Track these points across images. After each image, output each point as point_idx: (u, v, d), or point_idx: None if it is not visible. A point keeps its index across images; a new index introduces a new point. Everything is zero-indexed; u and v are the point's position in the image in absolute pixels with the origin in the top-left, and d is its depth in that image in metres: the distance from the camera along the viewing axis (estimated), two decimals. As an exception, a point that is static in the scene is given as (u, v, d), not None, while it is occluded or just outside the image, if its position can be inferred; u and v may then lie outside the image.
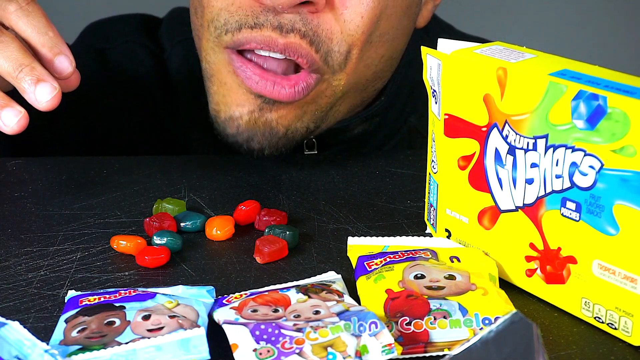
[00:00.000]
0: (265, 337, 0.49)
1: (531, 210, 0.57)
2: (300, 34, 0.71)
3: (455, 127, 0.61)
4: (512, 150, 0.57)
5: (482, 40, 0.92)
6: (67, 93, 0.67)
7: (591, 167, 0.52)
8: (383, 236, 0.65)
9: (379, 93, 0.87)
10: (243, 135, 0.76)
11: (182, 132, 0.91)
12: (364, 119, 0.86)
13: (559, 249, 0.56)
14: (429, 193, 0.66)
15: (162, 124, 0.91)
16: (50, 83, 0.63)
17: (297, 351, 0.48)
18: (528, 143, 0.56)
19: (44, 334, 0.53)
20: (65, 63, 0.65)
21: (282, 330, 0.50)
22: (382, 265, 0.58)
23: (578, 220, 0.54)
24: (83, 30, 0.97)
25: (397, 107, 0.89)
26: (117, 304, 0.54)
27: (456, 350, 0.43)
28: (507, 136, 0.57)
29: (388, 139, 0.91)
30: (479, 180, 0.60)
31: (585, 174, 0.53)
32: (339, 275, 0.59)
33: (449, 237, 0.64)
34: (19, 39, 0.64)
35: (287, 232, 0.65)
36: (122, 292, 0.55)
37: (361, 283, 0.57)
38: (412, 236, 0.65)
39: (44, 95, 0.62)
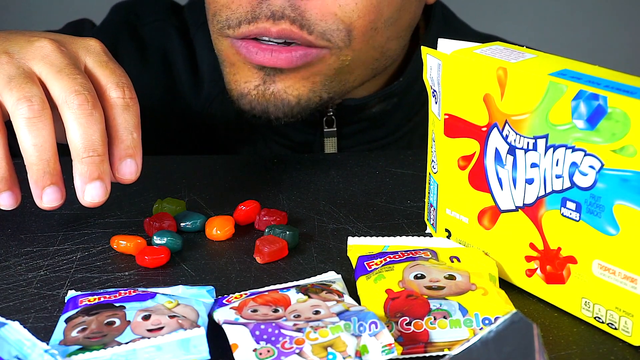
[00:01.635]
0: (265, 337, 0.49)
1: (531, 210, 0.57)
2: (290, 19, 0.76)
3: (456, 127, 0.61)
4: (512, 150, 0.57)
5: (495, 39, 0.93)
6: None
7: (591, 167, 0.52)
8: (383, 236, 0.65)
9: (399, 73, 0.90)
10: (257, 109, 0.81)
11: (204, 107, 0.94)
12: (383, 98, 0.89)
13: (559, 249, 0.56)
14: (429, 193, 0.66)
15: (186, 99, 0.95)
16: (106, 185, 0.62)
17: (297, 351, 0.48)
18: (528, 143, 0.56)
19: (44, 334, 0.53)
20: (132, 167, 0.63)
21: (282, 330, 0.50)
22: (382, 265, 0.58)
23: (578, 220, 0.54)
24: (112, 8, 1.00)
25: (416, 89, 0.90)
26: (117, 304, 0.54)
27: (456, 350, 0.43)
28: (507, 136, 0.57)
29: (406, 121, 0.92)
30: (479, 180, 0.60)
31: (585, 174, 0.53)
32: (339, 275, 0.59)
33: (449, 237, 0.64)
34: (104, 126, 0.63)
35: (287, 232, 0.65)
36: (122, 292, 0.55)
37: (361, 283, 0.57)
38: (412, 236, 0.65)
39: (92, 193, 0.62)
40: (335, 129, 0.89)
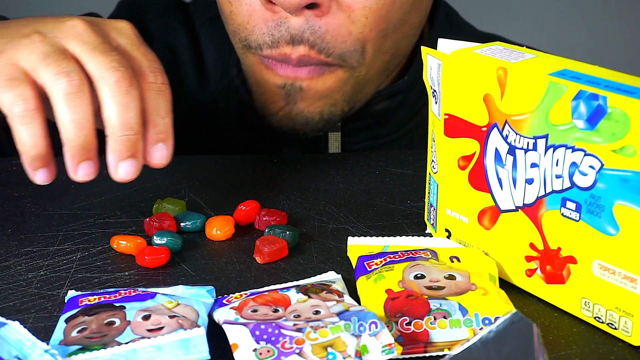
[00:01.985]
0: (265, 337, 0.49)
1: (531, 210, 0.57)
2: (309, 44, 0.77)
3: (455, 127, 0.61)
4: (512, 150, 0.57)
5: (498, 39, 0.94)
6: None
7: (591, 167, 0.52)
8: (383, 236, 0.65)
9: (404, 71, 0.91)
10: (284, 128, 0.84)
11: (210, 102, 0.95)
12: (387, 96, 0.90)
13: (559, 249, 0.56)
14: (429, 193, 0.66)
15: (192, 94, 0.96)
16: (138, 163, 0.62)
17: (297, 351, 0.48)
18: (528, 143, 0.56)
19: (44, 334, 0.53)
20: (163, 152, 0.64)
21: (282, 330, 0.50)
22: (382, 265, 0.58)
23: (578, 220, 0.54)
24: (119, 4, 1.01)
25: (418, 88, 0.91)
26: (117, 304, 0.54)
27: (456, 350, 0.43)
28: (507, 136, 0.57)
29: (409, 119, 0.93)
30: (479, 180, 0.60)
31: (585, 174, 0.53)
32: (339, 275, 0.59)
33: (449, 237, 0.64)
34: (142, 105, 0.63)
35: (287, 232, 0.65)
36: (122, 292, 0.55)
37: (361, 283, 0.57)
38: (412, 236, 0.65)
39: (125, 170, 0.62)
40: (339, 124, 0.90)
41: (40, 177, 0.62)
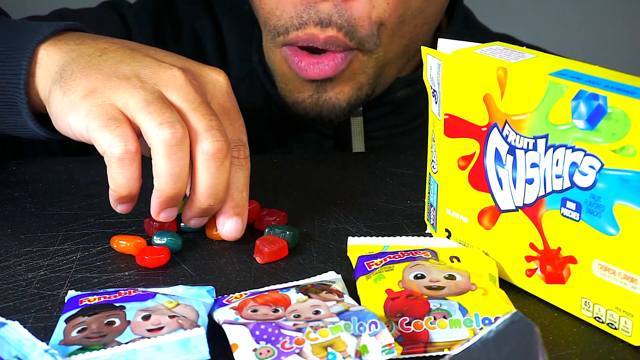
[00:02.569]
0: (265, 337, 0.49)
1: (531, 210, 0.57)
2: (337, 27, 0.79)
3: (455, 127, 0.61)
4: (512, 150, 0.57)
5: (509, 39, 0.95)
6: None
7: (591, 167, 0.52)
8: (383, 236, 0.65)
9: None
10: (311, 114, 0.86)
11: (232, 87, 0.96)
12: (408, 83, 0.92)
13: (559, 249, 0.56)
14: (429, 193, 0.66)
15: None
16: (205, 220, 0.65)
17: (297, 351, 0.48)
18: (528, 143, 0.56)
19: (44, 334, 0.53)
20: (238, 226, 0.64)
21: (282, 330, 0.50)
22: (382, 265, 0.58)
23: (578, 220, 0.54)
24: None
25: None
26: (117, 304, 0.54)
27: (456, 350, 0.43)
28: (507, 136, 0.57)
29: (426, 109, 0.93)
30: (479, 180, 0.60)
31: (585, 174, 0.53)
32: (339, 275, 0.59)
33: (449, 237, 0.64)
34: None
35: (287, 232, 0.65)
36: (122, 292, 0.55)
37: (361, 283, 0.57)
38: (412, 236, 0.65)
39: (196, 223, 0.64)
40: (361, 109, 0.91)
41: (122, 209, 0.64)
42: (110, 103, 0.61)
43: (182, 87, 0.62)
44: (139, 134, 0.61)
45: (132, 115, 0.60)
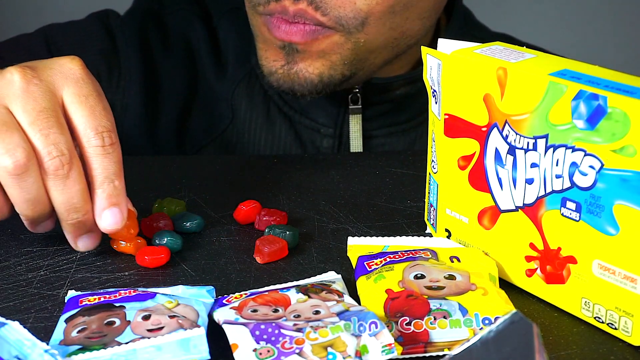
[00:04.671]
0: (265, 337, 0.49)
1: (531, 210, 0.57)
2: (307, 1, 0.80)
3: (455, 127, 0.61)
4: (512, 150, 0.57)
5: (511, 39, 0.95)
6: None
7: (591, 167, 0.52)
8: (383, 236, 0.65)
9: None
10: (284, 87, 0.86)
11: (227, 91, 0.97)
12: (408, 81, 0.92)
13: (559, 249, 0.56)
14: (429, 193, 0.66)
15: (210, 84, 0.98)
16: (96, 234, 0.63)
17: (297, 351, 0.48)
18: (528, 143, 0.56)
19: (44, 334, 0.53)
20: (116, 217, 0.61)
21: (282, 330, 0.50)
22: (382, 265, 0.58)
23: (578, 220, 0.54)
24: None
25: None
26: (117, 304, 0.54)
27: (456, 350, 0.43)
28: (507, 136, 0.57)
29: (425, 108, 0.94)
30: (479, 180, 0.60)
31: (585, 174, 0.53)
32: (339, 275, 0.59)
33: (449, 237, 0.64)
34: (84, 179, 0.61)
35: (287, 232, 0.65)
36: (122, 292, 0.55)
37: (361, 283, 0.57)
38: (412, 236, 0.65)
39: (84, 244, 0.63)
40: (360, 107, 0.92)
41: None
42: None
43: (19, 96, 0.59)
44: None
45: None
